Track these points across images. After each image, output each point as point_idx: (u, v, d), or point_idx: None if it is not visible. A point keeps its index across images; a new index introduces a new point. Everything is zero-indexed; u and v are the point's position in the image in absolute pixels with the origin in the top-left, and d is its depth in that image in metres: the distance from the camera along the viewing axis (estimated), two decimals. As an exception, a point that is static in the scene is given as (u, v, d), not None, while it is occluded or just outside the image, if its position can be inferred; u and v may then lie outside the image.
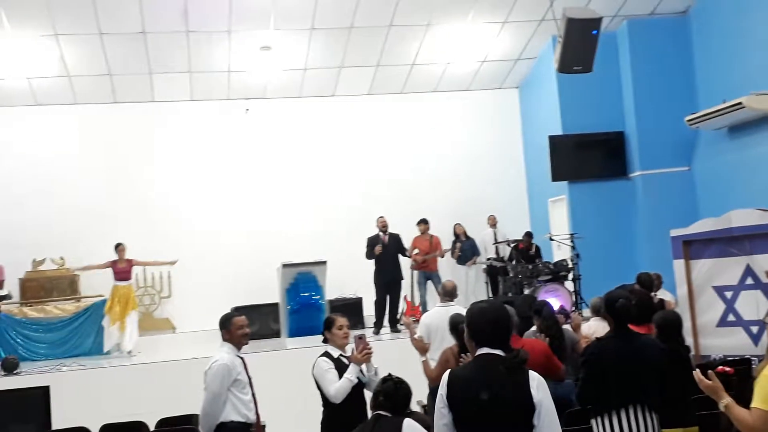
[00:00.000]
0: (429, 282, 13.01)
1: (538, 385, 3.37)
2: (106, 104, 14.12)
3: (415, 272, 13.38)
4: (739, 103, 11.02)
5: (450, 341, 6.50)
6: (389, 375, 4.37)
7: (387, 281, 12.12)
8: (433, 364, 6.49)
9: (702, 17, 12.93)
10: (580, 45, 8.65)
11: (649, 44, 13.31)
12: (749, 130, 11.67)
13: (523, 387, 3.35)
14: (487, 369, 3.38)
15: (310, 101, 14.89)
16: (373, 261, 12.18)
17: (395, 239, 12.30)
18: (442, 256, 13.48)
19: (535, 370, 5.34)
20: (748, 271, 9.15)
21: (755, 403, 3.30)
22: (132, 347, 11.70)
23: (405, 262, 12.66)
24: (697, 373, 3.61)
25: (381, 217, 12.42)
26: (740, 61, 11.89)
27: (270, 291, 12.82)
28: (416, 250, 13.29)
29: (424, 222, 13.47)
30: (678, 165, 13.15)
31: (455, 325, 6.13)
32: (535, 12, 12.77)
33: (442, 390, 3.40)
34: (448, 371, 3.48)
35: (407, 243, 13.14)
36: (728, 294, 9.34)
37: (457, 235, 14.19)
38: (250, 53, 13.34)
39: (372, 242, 12.17)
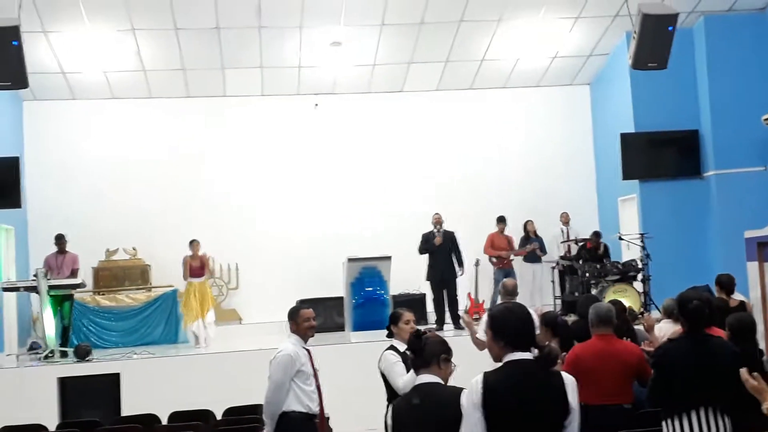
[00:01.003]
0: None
1: (572, 388, 3.34)
2: (179, 98, 14.41)
3: (494, 269, 13.40)
4: (821, 102, 10.67)
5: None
6: (416, 330, 4.18)
7: (439, 279, 12.10)
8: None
9: (783, 13, 12.55)
10: (655, 41, 8.49)
11: (727, 41, 12.95)
12: (831, 129, 11.29)
13: (559, 391, 3.31)
14: (523, 373, 3.32)
15: (378, 97, 14.93)
16: (426, 258, 12.19)
17: (449, 237, 12.26)
18: (522, 255, 13.53)
19: (628, 373, 5.31)
20: (826, 275, 8.86)
21: None
22: (210, 343, 11.92)
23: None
24: (743, 373, 3.51)
25: (436, 213, 12.42)
26: (822, 58, 11.50)
27: (335, 285, 12.93)
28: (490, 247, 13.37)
29: (502, 220, 13.50)
30: (754, 165, 12.77)
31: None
32: (610, 7, 12.55)
33: (476, 396, 3.31)
34: (482, 376, 3.37)
35: (482, 240, 13.17)
36: (805, 298, 9.06)
37: (527, 233, 14.08)
38: (321, 49, 13.45)
39: (427, 238, 12.21)
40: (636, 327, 6.87)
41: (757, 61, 12.87)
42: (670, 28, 8.48)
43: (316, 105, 14.65)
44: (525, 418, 3.28)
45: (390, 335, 5.66)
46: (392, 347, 5.50)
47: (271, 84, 14.38)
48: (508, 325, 3.43)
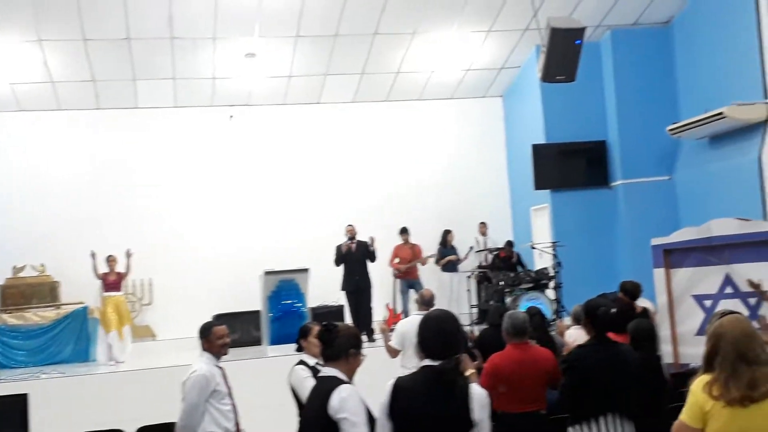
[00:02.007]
0: (411, 290, 13.02)
1: (480, 402, 3.35)
2: (89, 110, 14.09)
3: (398, 280, 13.43)
4: (721, 114, 11.11)
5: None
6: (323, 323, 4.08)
7: (353, 289, 12.12)
8: (402, 371, 6.50)
9: (684, 28, 13.04)
10: (563, 54, 8.68)
11: (632, 54, 13.40)
12: (730, 140, 11.77)
13: (463, 403, 3.33)
14: (430, 382, 3.37)
15: (294, 108, 14.91)
16: (341, 269, 12.21)
17: (363, 247, 12.28)
18: (423, 264, 13.53)
19: (544, 380, 5.41)
20: (728, 280, 9.18)
21: (681, 413, 3.36)
22: (124, 359, 11.65)
23: (377, 269, 12.61)
24: None
25: (349, 225, 12.43)
26: (722, 71, 11.99)
27: (252, 298, 12.79)
28: (397, 259, 13.35)
29: (404, 231, 13.52)
30: (659, 174, 13.24)
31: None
32: (520, 21, 12.84)
33: (386, 399, 3.41)
34: (394, 381, 3.45)
35: (389, 252, 13.19)
36: (707, 303, 9.37)
37: (445, 243, 14.19)
38: (235, 60, 13.35)
39: (340, 248, 12.22)
40: (552, 333, 7.02)
41: (661, 73, 13.33)
42: (577, 42, 8.68)
43: (231, 117, 14.55)
44: (427, 427, 3.32)
45: (299, 349, 5.61)
46: (302, 362, 5.46)
47: (185, 95, 14.19)
48: (424, 332, 3.50)
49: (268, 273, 12.38)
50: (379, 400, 3.49)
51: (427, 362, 3.43)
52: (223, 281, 13.67)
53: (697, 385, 3.31)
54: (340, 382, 3.68)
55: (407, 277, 13.28)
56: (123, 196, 14.05)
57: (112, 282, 11.90)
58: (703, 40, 12.48)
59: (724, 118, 11.10)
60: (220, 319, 11.06)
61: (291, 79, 14.19)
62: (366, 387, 3.87)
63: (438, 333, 3.47)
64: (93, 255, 11.85)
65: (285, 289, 12.35)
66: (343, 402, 3.56)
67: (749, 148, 11.30)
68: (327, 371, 3.80)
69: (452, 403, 3.32)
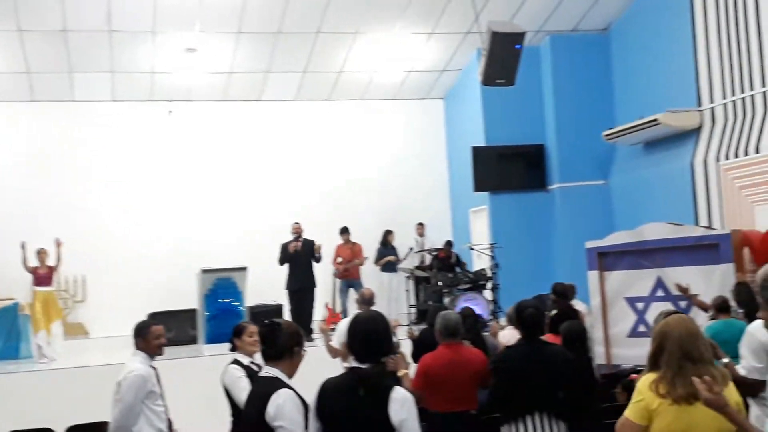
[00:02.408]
0: (351, 290, 13.02)
1: (402, 404, 3.32)
2: (24, 102, 13.73)
3: (338, 280, 13.42)
4: (655, 120, 11.36)
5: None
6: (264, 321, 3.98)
7: (298, 288, 12.08)
8: (343, 371, 6.49)
9: (622, 35, 13.32)
10: (503, 58, 8.77)
11: (571, 60, 13.61)
12: (664, 146, 12.05)
13: (381, 406, 3.30)
14: (352, 384, 3.38)
15: (235, 105, 14.78)
16: (286, 267, 12.16)
17: (309, 246, 12.26)
18: (362, 264, 13.55)
19: (476, 380, 5.46)
20: (659, 284, 9.42)
21: (625, 410, 3.42)
22: (56, 356, 11.38)
23: (319, 269, 12.61)
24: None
25: (296, 223, 12.39)
26: (657, 78, 12.27)
27: (188, 297, 12.62)
28: (339, 259, 13.34)
29: (345, 231, 13.52)
30: (595, 178, 13.48)
31: None
32: (461, 24, 12.94)
33: (314, 399, 3.45)
34: (323, 381, 3.48)
35: (331, 251, 13.16)
36: (639, 305, 9.60)
37: (385, 243, 14.22)
38: (175, 55, 13.16)
39: (285, 247, 12.17)
40: (485, 335, 7.09)
41: (599, 79, 13.57)
42: (517, 47, 8.79)
43: (170, 112, 14.34)
44: (348, 429, 3.34)
45: (233, 348, 5.56)
46: (236, 361, 5.42)
47: (123, 89, 13.95)
48: (352, 332, 3.51)
49: (205, 271, 12.24)
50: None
51: (354, 364, 3.45)
52: (159, 279, 13.45)
53: (644, 383, 3.37)
54: (281, 384, 3.64)
55: (347, 277, 13.28)
56: (57, 190, 13.73)
57: (42, 276, 11.62)
58: (640, 48, 12.76)
59: (658, 124, 11.36)
60: (155, 317, 10.85)
61: (232, 76, 14.06)
62: (304, 386, 3.85)
63: (364, 335, 3.47)
64: (23, 246, 11.55)
65: (222, 287, 12.23)
66: (279, 409, 3.52)
67: (682, 155, 11.59)
68: (268, 371, 3.75)
69: (372, 406, 3.32)
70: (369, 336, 3.48)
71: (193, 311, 12.57)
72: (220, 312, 12.04)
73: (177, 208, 14.27)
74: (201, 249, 13.51)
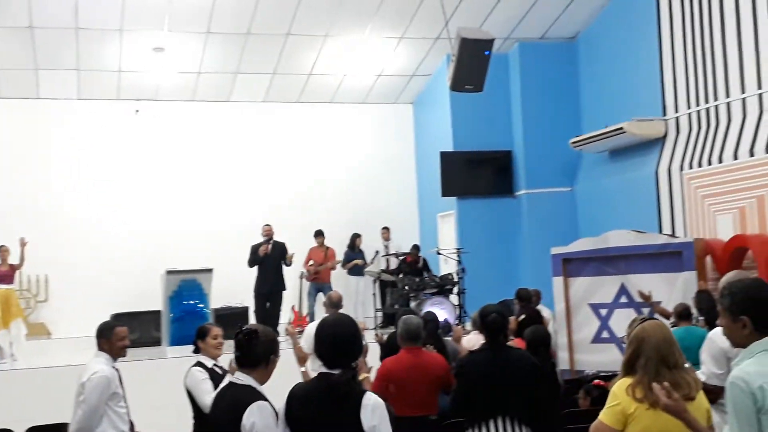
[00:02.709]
0: (320, 293, 13.00)
1: (373, 410, 3.29)
2: (-13, 99, 13.55)
3: (308, 283, 13.43)
4: (621, 128, 11.49)
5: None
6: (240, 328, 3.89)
7: (267, 291, 12.05)
8: (312, 374, 6.48)
9: (589, 44, 13.46)
10: (472, 64, 8.82)
11: (539, 67, 13.71)
12: (629, 154, 12.20)
13: (352, 413, 3.28)
14: (323, 391, 3.33)
15: (203, 105, 14.69)
16: (255, 269, 12.12)
17: (280, 248, 12.23)
18: (334, 268, 13.58)
19: (436, 385, 5.47)
20: (623, 290, 9.53)
21: (600, 414, 3.46)
22: (18, 356, 11.20)
23: (287, 272, 12.59)
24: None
25: (267, 225, 12.36)
26: (623, 87, 12.42)
27: (153, 298, 12.52)
28: (311, 261, 13.35)
29: (320, 234, 13.53)
30: (561, 185, 13.60)
31: None
32: (432, 30, 12.98)
33: (283, 406, 3.40)
34: (292, 388, 3.42)
35: (299, 255, 13.15)
36: (603, 311, 9.70)
37: (353, 247, 14.22)
38: (143, 54, 13.06)
39: (256, 249, 12.13)
40: (446, 338, 7.12)
41: (566, 87, 13.70)
42: (486, 53, 8.84)
43: (137, 111, 14.23)
44: None
45: (196, 350, 5.53)
46: (199, 363, 5.39)
47: (89, 87, 13.80)
48: (320, 336, 3.46)
49: (169, 272, 12.16)
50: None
51: (323, 369, 3.41)
52: (123, 279, 13.30)
53: (620, 388, 3.41)
54: (256, 394, 3.59)
55: (317, 280, 13.29)
56: (21, 188, 13.52)
57: (3, 274, 11.43)
58: (607, 57, 12.91)
59: (624, 133, 11.49)
60: (119, 318, 10.80)
61: (200, 76, 13.98)
62: (269, 389, 3.83)
63: (332, 339, 3.42)
64: None
65: (187, 289, 12.15)
66: (257, 421, 3.47)
67: (647, 163, 11.74)
68: (241, 378, 3.68)
69: (343, 412, 3.30)
70: (337, 340, 3.43)
71: (157, 313, 12.47)
72: (185, 314, 11.96)
73: (143, 209, 14.14)
74: (166, 250, 13.38)
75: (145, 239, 13.81)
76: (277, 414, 3.53)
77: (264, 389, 3.83)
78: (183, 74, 13.87)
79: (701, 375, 4.14)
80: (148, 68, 13.51)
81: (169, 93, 14.32)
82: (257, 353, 3.69)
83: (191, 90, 14.36)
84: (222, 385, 3.87)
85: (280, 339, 10.88)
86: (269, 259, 12.10)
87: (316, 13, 12.53)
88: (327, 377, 3.37)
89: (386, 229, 14.49)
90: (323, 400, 3.32)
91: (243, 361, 3.71)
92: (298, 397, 3.39)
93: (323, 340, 3.45)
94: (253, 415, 3.47)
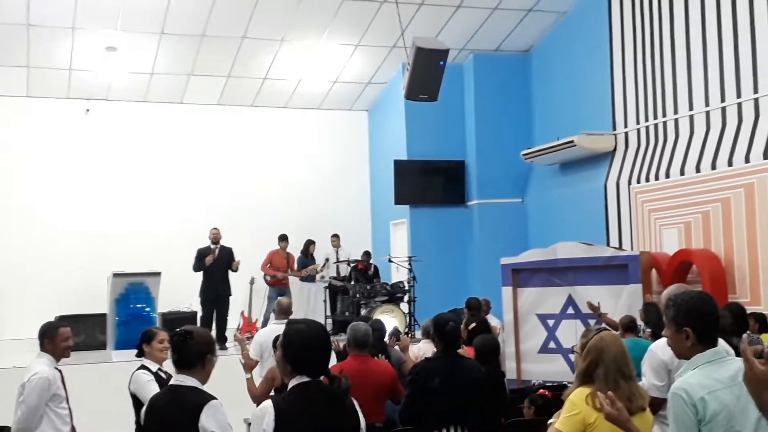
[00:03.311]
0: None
1: (359, 412, 3.36)
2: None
3: (264, 286, 13.36)
4: (571, 142, 11.65)
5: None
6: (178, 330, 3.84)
7: (214, 297, 11.92)
8: (260, 381, 6.45)
9: (542, 57, 13.64)
10: (427, 74, 8.87)
11: (493, 79, 13.85)
12: (579, 167, 12.37)
13: (353, 415, 3.30)
14: (319, 401, 3.17)
15: (156, 107, 14.53)
16: (201, 274, 12.01)
17: (226, 254, 12.13)
18: (298, 276, 13.61)
19: (383, 393, 5.47)
20: (570, 301, 9.66)
21: (556, 423, 3.50)
22: None
23: (236, 277, 12.49)
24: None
25: (214, 228, 12.26)
26: (574, 101, 12.60)
27: (99, 301, 12.31)
28: (269, 265, 13.30)
29: (284, 239, 13.50)
30: (512, 196, 13.74)
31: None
32: (388, 38, 13.03)
33: (269, 421, 3.09)
34: (271, 402, 3.21)
35: (254, 257, 13.08)
36: (550, 322, 9.82)
37: (307, 253, 14.17)
38: (95, 53, 12.86)
39: (202, 254, 12.01)
40: (393, 347, 7.14)
41: (519, 99, 13.85)
42: (441, 63, 8.90)
43: (88, 111, 14.02)
44: None
45: (141, 354, 5.46)
46: (143, 367, 5.33)
47: (39, 85, 13.55)
48: (299, 349, 3.25)
49: (116, 275, 11.98)
50: (234, 408, 3.43)
51: (303, 379, 3.21)
52: (69, 282, 13.06)
53: (578, 397, 3.44)
54: (205, 395, 3.59)
55: (279, 285, 13.23)
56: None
57: None
58: (559, 71, 13.09)
59: (574, 146, 11.65)
60: (64, 320, 10.53)
61: (153, 77, 13.82)
62: (218, 394, 3.81)
63: (316, 346, 3.27)
64: None
65: (134, 292, 11.98)
66: (215, 420, 3.49)
67: (596, 176, 11.92)
68: (182, 380, 3.67)
69: (345, 419, 3.26)
70: (322, 346, 3.29)
71: (103, 316, 12.26)
72: (131, 317, 11.79)
73: (92, 209, 13.92)
74: (115, 252, 13.20)
75: (92, 241, 13.59)
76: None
77: (218, 394, 3.82)
78: (135, 74, 13.70)
79: (642, 386, 4.22)
80: (99, 67, 13.32)
81: (121, 93, 14.14)
82: (193, 354, 3.70)
83: (143, 91, 14.19)
84: (164, 389, 3.84)
85: (229, 344, 10.84)
86: (216, 265, 11.99)
87: (273, 18, 12.49)
88: (318, 386, 3.21)
89: (336, 236, 14.48)
90: (324, 410, 3.18)
91: (180, 363, 3.73)
92: (288, 412, 3.13)
93: (305, 348, 3.25)
94: (209, 414, 3.48)
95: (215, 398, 3.59)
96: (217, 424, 3.50)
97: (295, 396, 3.19)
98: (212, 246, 12.13)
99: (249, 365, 6.43)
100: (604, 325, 6.76)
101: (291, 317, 7.83)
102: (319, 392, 3.19)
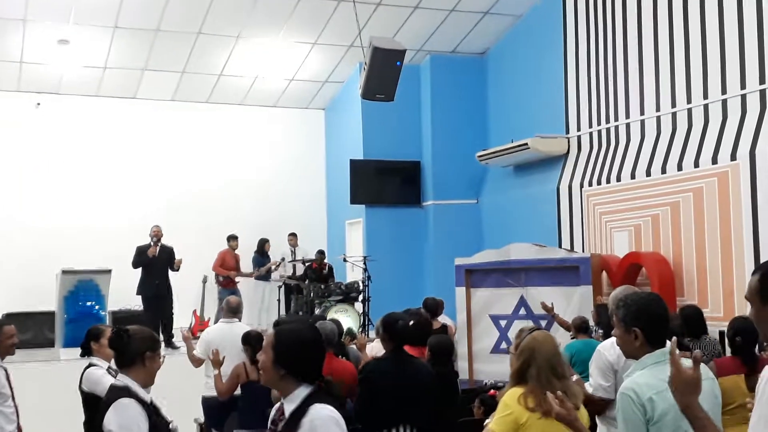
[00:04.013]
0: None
1: None
2: None
3: (214, 286, 13.25)
4: (525, 144, 11.75)
5: (234, 357, 6.52)
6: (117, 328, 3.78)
7: (151, 295, 11.73)
8: (206, 380, 6.42)
9: (498, 60, 13.74)
10: (383, 74, 8.88)
11: (449, 81, 13.90)
12: (532, 169, 12.49)
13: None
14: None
15: (108, 101, 14.33)
16: (140, 271, 11.83)
17: (168, 252, 11.96)
18: (252, 277, 13.52)
19: (347, 392, 5.45)
20: (522, 302, 9.76)
21: (491, 423, 3.52)
22: None
23: (186, 277, 12.37)
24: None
25: (155, 226, 12.07)
26: (529, 104, 12.72)
27: (48, 298, 12.10)
28: (220, 265, 13.22)
29: (233, 238, 13.40)
30: (467, 198, 13.82)
31: (246, 340, 6.19)
32: (345, 37, 13.01)
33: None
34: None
35: (213, 256, 12.97)
36: (503, 323, 9.90)
37: (261, 252, 14.09)
38: (46, 45, 12.63)
39: (142, 251, 11.83)
40: (350, 346, 7.14)
41: (475, 101, 13.93)
42: (398, 63, 8.92)
43: (38, 104, 13.78)
44: None
45: (88, 353, 5.36)
46: (92, 365, 5.25)
47: (-13, 78, 13.29)
48: (297, 351, 2.95)
49: (66, 272, 11.79)
50: (183, 408, 3.38)
51: (307, 389, 2.93)
52: (17, 278, 12.79)
53: (511, 397, 3.45)
54: (123, 393, 3.53)
55: (230, 286, 13.12)
56: None
57: None
58: (514, 74, 13.20)
59: (528, 148, 11.75)
60: (11, 318, 10.29)
61: (106, 71, 13.61)
62: (168, 395, 3.77)
63: (312, 348, 3.00)
64: None
65: (84, 290, 11.81)
66: (111, 420, 3.44)
67: (549, 179, 12.05)
68: (121, 380, 3.63)
69: None
70: (319, 348, 3.05)
71: (51, 313, 12.06)
72: (80, 315, 11.61)
73: (41, 205, 13.67)
74: (64, 249, 12.96)
75: (42, 237, 13.34)
76: (147, 409, 3.49)
77: (158, 394, 3.77)
78: (88, 68, 13.49)
79: (588, 387, 4.27)
80: (51, 60, 13.09)
81: (73, 87, 13.91)
82: (131, 352, 3.64)
83: (96, 85, 13.98)
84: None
85: (178, 343, 10.72)
86: (156, 262, 11.81)
87: (229, 14, 12.38)
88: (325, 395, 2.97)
89: (293, 235, 14.42)
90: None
91: (120, 362, 3.69)
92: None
93: (310, 349, 2.98)
94: (112, 413, 3.44)
95: (129, 397, 3.51)
96: (118, 424, 3.41)
97: (331, 404, 2.93)
98: (152, 243, 11.95)
99: (199, 362, 6.40)
100: (547, 325, 6.83)
101: (240, 316, 7.81)
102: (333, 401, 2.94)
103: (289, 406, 2.92)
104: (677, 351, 2.59)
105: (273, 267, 13.87)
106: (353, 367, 5.97)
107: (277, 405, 3.03)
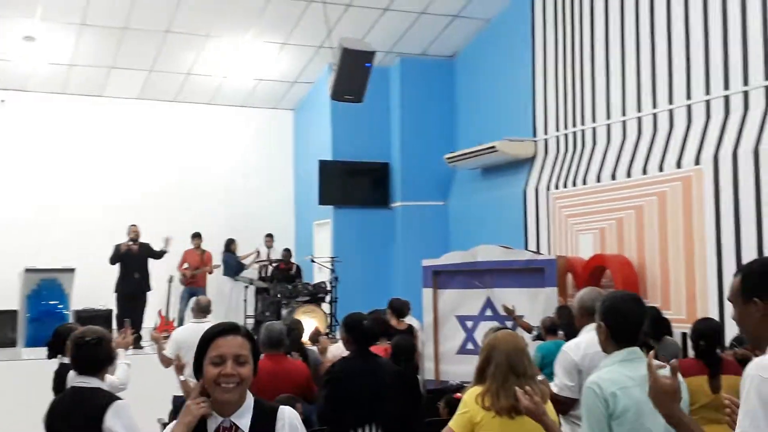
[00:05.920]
0: (193, 298, 12.73)
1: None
2: None
3: (180, 286, 13.17)
4: (493, 147, 11.82)
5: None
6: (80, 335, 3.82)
7: (130, 291, 11.70)
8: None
9: (466, 63, 13.81)
10: (353, 75, 8.92)
11: (418, 83, 13.95)
12: (500, 172, 12.57)
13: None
14: None
15: (75, 99, 14.20)
16: (117, 271, 11.76)
17: (146, 249, 11.94)
18: (211, 272, 13.41)
19: (296, 392, 5.45)
20: (488, 303, 9.81)
21: (450, 421, 3.55)
22: None
23: (156, 276, 12.30)
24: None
25: (133, 225, 12.05)
26: (497, 107, 12.79)
27: (10, 296, 11.93)
28: (185, 264, 13.10)
29: (197, 236, 13.31)
30: (435, 199, 13.86)
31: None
32: (314, 38, 13.00)
33: None
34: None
35: (176, 255, 12.88)
36: (469, 324, 9.95)
37: (230, 251, 14.03)
38: (12, 42, 12.48)
39: (120, 248, 11.77)
40: (310, 348, 7.14)
41: (444, 103, 13.98)
42: (367, 65, 8.96)
43: (3, 101, 13.61)
44: None
45: (54, 354, 5.29)
46: (64, 365, 5.18)
47: (-49, 74, 13.09)
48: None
49: (28, 270, 11.65)
50: (148, 409, 3.39)
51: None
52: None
53: (469, 396, 3.49)
54: (110, 395, 3.54)
55: (193, 285, 13.05)
56: None
57: None
58: (483, 77, 13.27)
59: (495, 151, 11.82)
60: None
61: (73, 68, 13.48)
62: (133, 394, 3.75)
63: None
64: None
65: (47, 288, 11.66)
66: (121, 421, 3.43)
67: (516, 182, 12.14)
68: (86, 381, 3.60)
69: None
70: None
71: (13, 312, 11.89)
72: (43, 314, 11.46)
73: (4, 203, 13.50)
74: (27, 247, 12.80)
75: (4, 235, 13.17)
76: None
77: (126, 395, 3.76)
78: (54, 66, 13.34)
79: (554, 387, 4.32)
80: (17, 57, 12.93)
81: (39, 84, 13.76)
82: (107, 357, 3.70)
83: (62, 82, 13.84)
84: (64, 392, 3.75)
85: (145, 343, 10.69)
86: (134, 260, 11.76)
87: (197, 13, 12.31)
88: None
89: (270, 236, 14.40)
90: None
91: (89, 368, 3.67)
92: None
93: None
94: (115, 415, 3.42)
95: (120, 398, 3.53)
96: (123, 425, 3.43)
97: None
98: (130, 243, 11.92)
99: (168, 363, 6.35)
100: (512, 327, 6.89)
101: (210, 316, 7.76)
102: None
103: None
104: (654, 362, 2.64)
105: (254, 255, 13.88)
106: (305, 367, 5.97)
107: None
